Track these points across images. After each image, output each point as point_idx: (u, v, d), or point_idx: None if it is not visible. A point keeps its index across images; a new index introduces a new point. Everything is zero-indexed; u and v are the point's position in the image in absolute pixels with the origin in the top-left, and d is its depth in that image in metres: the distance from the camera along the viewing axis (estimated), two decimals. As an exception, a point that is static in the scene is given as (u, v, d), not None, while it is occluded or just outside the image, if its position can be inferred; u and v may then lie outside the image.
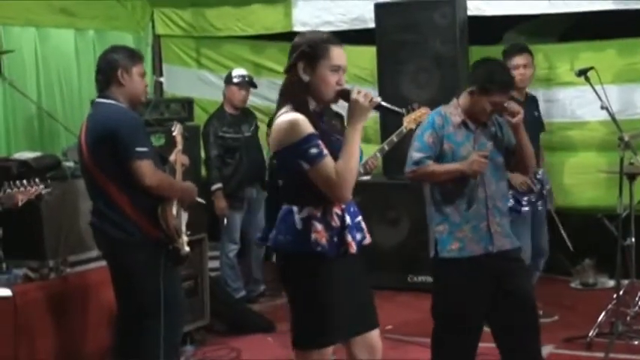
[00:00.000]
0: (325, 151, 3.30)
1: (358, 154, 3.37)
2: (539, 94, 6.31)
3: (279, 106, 3.47)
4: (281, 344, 5.57)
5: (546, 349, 5.31)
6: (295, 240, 3.37)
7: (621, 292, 5.33)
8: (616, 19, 6.42)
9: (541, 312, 5.92)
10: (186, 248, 4.42)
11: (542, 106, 6.05)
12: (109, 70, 4.32)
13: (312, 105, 3.43)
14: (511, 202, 5.08)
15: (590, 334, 5.27)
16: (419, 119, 4.99)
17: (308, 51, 3.40)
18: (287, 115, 3.37)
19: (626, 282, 5.54)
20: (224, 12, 7.78)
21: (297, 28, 7.44)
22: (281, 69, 7.57)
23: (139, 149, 4.14)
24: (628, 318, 5.37)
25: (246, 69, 7.05)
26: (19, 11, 6.55)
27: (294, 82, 3.44)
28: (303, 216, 3.36)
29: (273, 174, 3.52)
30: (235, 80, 6.63)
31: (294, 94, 3.42)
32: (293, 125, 3.32)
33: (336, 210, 3.40)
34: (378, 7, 6.76)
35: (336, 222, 3.39)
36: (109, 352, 4.71)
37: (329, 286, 3.38)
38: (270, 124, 7.31)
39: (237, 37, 7.85)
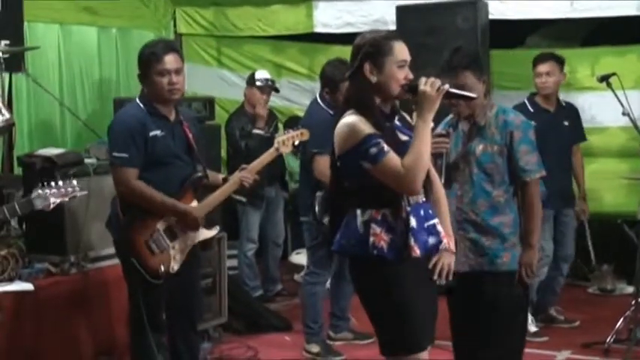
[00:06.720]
0: (387, 148, 3.20)
1: (429, 147, 3.25)
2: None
3: (343, 112, 3.36)
4: (297, 343, 5.59)
5: (564, 355, 5.32)
6: (356, 243, 3.32)
7: (640, 299, 5.31)
8: (638, 25, 6.40)
9: (562, 317, 5.93)
10: (162, 268, 4.07)
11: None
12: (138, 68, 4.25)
13: (380, 106, 3.34)
14: None
15: (607, 340, 5.25)
16: None
17: (372, 50, 3.29)
18: (346, 119, 3.30)
19: (644, 288, 5.52)
20: (245, 12, 7.81)
21: (318, 29, 7.46)
22: (301, 69, 7.80)
23: (115, 154, 4.08)
24: (646, 324, 5.35)
25: (267, 69, 7.07)
26: (44, 9, 6.61)
27: (361, 85, 3.33)
28: (365, 219, 3.30)
29: (338, 179, 3.41)
30: (258, 84, 6.61)
31: (361, 98, 3.32)
32: (351, 128, 3.26)
33: (402, 213, 3.29)
34: (399, 10, 6.74)
35: (400, 225, 3.28)
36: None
37: (394, 289, 3.30)
38: (287, 124, 7.42)
39: (258, 37, 7.88)
